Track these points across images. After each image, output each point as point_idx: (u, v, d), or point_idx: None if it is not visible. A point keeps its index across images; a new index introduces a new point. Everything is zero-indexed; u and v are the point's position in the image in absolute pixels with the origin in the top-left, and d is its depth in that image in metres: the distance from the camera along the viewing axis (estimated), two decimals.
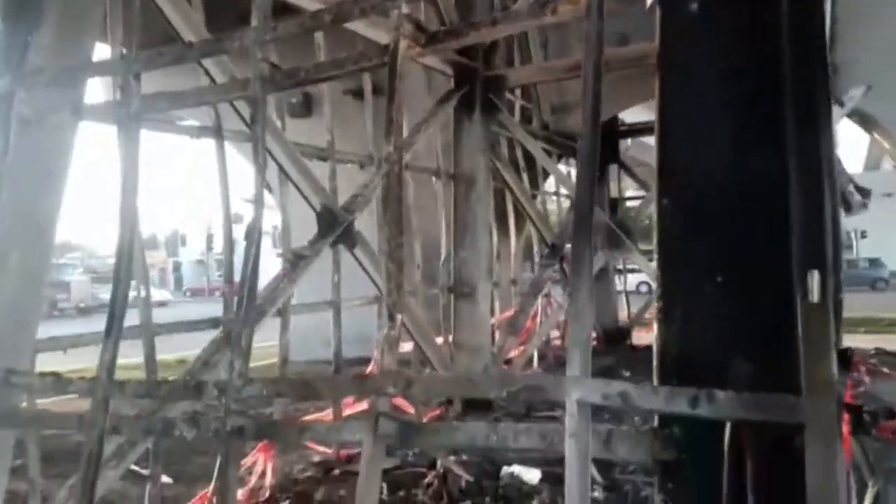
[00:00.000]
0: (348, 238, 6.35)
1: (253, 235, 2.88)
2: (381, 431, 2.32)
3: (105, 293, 5.75)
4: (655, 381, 2.00)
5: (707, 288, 1.99)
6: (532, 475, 5.96)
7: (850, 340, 13.33)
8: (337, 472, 6.68)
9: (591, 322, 2.08)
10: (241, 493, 6.02)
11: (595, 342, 11.87)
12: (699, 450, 1.88)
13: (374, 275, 6.64)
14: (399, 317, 2.50)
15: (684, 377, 1.95)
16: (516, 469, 5.97)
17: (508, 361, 9.06)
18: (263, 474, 6.16)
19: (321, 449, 7.06)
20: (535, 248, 12.21)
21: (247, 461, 6.40)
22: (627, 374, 8.53)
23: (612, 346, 12.89)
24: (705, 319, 1.99)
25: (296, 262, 5.86)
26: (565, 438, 1.95)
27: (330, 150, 7.19)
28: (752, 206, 1.99)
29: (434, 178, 9.14)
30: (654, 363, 2.02)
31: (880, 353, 13.12)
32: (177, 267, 55.24)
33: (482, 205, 9.17)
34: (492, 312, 10.50)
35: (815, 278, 1.82)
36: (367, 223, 6.98)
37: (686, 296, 2.03)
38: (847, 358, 2.01)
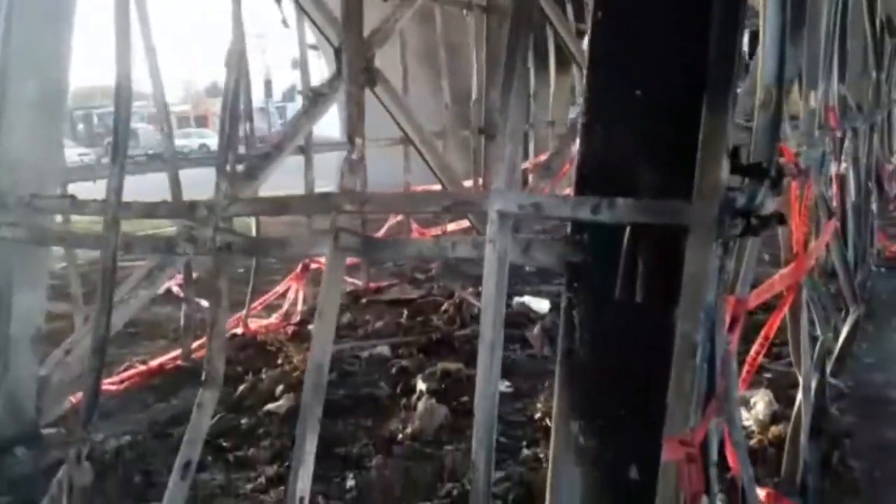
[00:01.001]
0: (368, 76, 6.36)
1: (233, 60, 3.01)
2: (342, 245, 2.55)
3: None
4: (573, 193, 2.14)
5: (626, 103, 2.07)
6: (541, 305, 6.28)
7: None
8: (364, 300, 7.15)
9: (514, 143, 2.20)
10: (275, 317, 6.57)
11: None
12: (602, 253, 2.04)
13: (396, 114, 6.71)
14: (359, 141, 2.66)
15: (598, 188, 2.08)
16: (527, 299, 6.29)
17: None
18: (295, 301, 6.66)
19: (351, 280, 7.52)
20: (577, 90, 11.97)
21: (280, 288, 6.91)
22: None
23: None
24: (621, 133, 2.08)
25: (314, 99, 5.99)
26: (486, 245, 2.13)
27: None
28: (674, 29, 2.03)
29: (465, 12, 8.90)
30: (574, 176, 2.15)
31: None
32: None
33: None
34: (526, 155, 10.55)
35: (719, 91, 1.89)
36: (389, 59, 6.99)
37: (607, 111, 2.11)
38: (749, 167, 2.09)
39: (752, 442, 3.66)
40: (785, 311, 3.07)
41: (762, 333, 3.09)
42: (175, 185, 5.19)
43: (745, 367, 3.12)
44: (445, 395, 4.63)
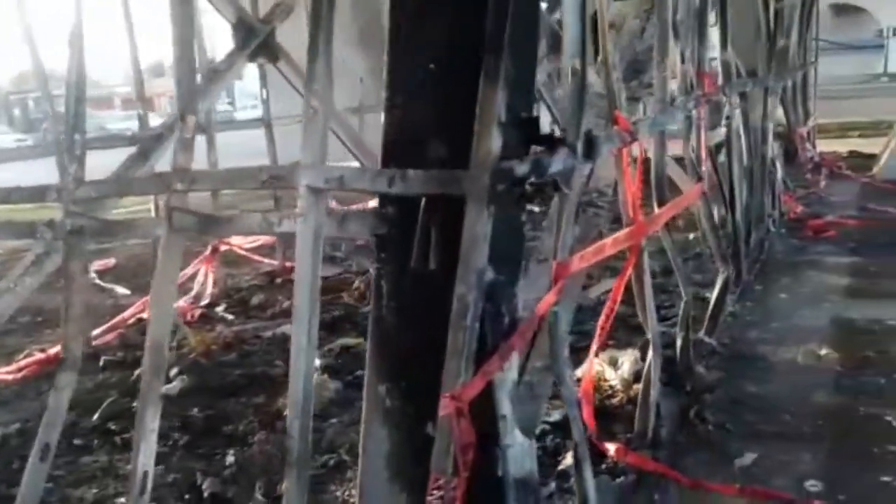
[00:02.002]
0: (268, 51, 6.29)
1: (75, 39, 2.99)
2: (176, 224, 2.59)
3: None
4: (380, 165, 2.21)
5: (420, 77, 2.15)
6: None
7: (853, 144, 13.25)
8: (279, 280, 7.17)
9: (323, 128, 2.25)
10: (183, 300, 6.54)
11: None
12: (403, 224, 2.12)
13: (301, 89, 6.66)
14: (191, 118, 2.69)
15: (399, 160, 2.16)
16: None
17: None
18: (205, 283, 6.65)
19: (267, 260, 7.53)
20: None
21: (189, 271, 6.88)
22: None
23: None
24: (417, 107, 2.16)
25: (211, 76, 5.92)
26: (297, 220, 2.19)
27: None
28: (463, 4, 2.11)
29: None
30: (381, 149, 2.22)
31: (854, 154, 13.23)
32: None
33: None
34: None
35: (492, 61, 1.97)
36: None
37: (405, 85, 2.18)
38: (544, 137, 2.18)
39: (615, 400, 3.82)
40: (629, 273, 3.21)
41: (610, 296, 3.22)
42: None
43: (598, 331, 3.26)
44: (341, 370, 4.72)
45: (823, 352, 4.42)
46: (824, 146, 13.97)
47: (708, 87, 4.71)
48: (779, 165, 8.40)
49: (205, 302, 6.45)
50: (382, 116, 2.24)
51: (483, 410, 2.14)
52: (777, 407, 3.80)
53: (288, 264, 7.59)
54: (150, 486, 2.61)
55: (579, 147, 2.46)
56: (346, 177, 2.15)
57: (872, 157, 11.84)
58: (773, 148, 8.42)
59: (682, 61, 4.23)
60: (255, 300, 6.58)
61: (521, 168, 2.05)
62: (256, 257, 7.66)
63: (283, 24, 6.30)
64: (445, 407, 1.83)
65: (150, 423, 2.60)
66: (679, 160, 6.25)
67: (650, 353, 3.41)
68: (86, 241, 3.03)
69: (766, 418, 3.67)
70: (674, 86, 4.52)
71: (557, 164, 2.33)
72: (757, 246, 6.67)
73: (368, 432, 2.20)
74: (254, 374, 4.80)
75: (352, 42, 8.58)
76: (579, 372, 4.13)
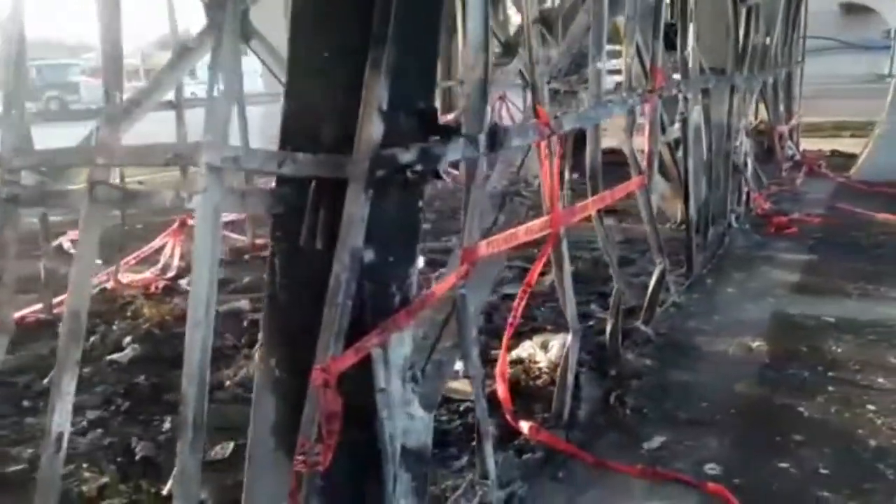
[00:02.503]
0: (241, 30, 6.37)
1: (15, 14, 3.07)
2: (98, 197, 2.70)
3: None
4: (278, 147, 2.32)
5: (317, 62, 2.25)
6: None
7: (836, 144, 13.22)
8: (247, 257, 7.30)
9: (226, 108, 2.36)
10: (150, 272, 6.67)
11: None
12: (297, 204, 2.23)
13: (275, 69, 6.77)
14: (116, 94, 2.79)
15: (296, 143, 2.27)
16: None
17: None
18: (172, 255, 6.77)
19: (235, 236, 7.64)
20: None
21: (156, 243, 7.01)
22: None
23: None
24: (313, 91, 2.26)
25: (181, 52, 6.01)
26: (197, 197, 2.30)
27: None
28: None
29: None
30: (280, 133, 2.33)
31: (836, 154, 13.31)
32: None
33: None
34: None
35: (376, 51, 2.07)
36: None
37: (302, 70, 2.29)
38: (440, 127, 2.29)
39: (540, 381, 3.95)
40: (544, 259, 3.33)
41: (525, 280, 3.35)
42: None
43: (513, 314, 3.39)
44: None
45: (755, 344, 4.55)
46: (814, 145, 14.06)
47: (658, 83, 4.80)
48: (749, 162, 8.50)
49: (170, 274, 6.57)
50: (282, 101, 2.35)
51: (367, 383, 2.27)
52: (698, 395, 3.93)
53: (258, 241, 7.73)
54: (65, 445, 2.73)
55: (482, 139, 2.58)
56: (241, 157, 2.25)
57: (854, 158, 11.93)
58: (745, 145, 8.52)
59: (629, 57, 4.32)
60: (219, 275, 6.68)
61: (406, 156, 2.16)
62: (226, 233, 7.77)
63: (256, 5, 6.40)
64: (315, 378, 1.95)
65: (67, 387, 2.71)
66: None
67: (569, 338, 3.53)
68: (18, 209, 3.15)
69: (684, 405, 3.80)
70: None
71: (454, 153, 2.44)
72: (716, 240, 6.78)
73: (258, 402, 2.33)
74: None
75: None
76: (516, 353, 4.29)
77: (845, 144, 13.99)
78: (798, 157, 12.35)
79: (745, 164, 8.41)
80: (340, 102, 2.21)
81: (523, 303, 3.31)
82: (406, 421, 2.60)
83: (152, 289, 6.23)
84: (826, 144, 14.14)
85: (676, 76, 6.53)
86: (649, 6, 5.01)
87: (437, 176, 2.21)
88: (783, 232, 7.45)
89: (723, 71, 6.88)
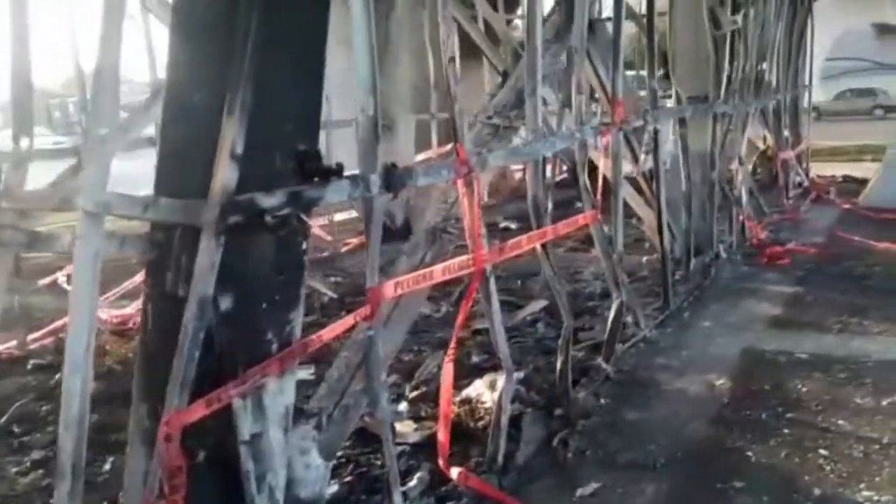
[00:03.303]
0: None
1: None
2: (5, 240, 2.70)
3: None
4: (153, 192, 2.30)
5: (187, 105, 2.23)
6: None
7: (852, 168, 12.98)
8: None
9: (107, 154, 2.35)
10: (131, 307, 6.70)
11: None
12: (166, 250, 2.21)
13: None
14: (25, 140, 2.80)
15: (168, 186, 2.25)
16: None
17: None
18: None
19: None
20: (486, 79, 12.05)
21: (138, 278, 7.04)
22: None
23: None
24: (185, 135, 2.24)
25: (157, 92, 6.08)
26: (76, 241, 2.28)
27: None
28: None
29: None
30: (154, 176, 2.31)
31: (847, 180, 13.03)
32: None
33: (403, 29, 8.99)
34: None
35: (231, 96, 2.04)
36: None
37: (176, 112, 2.27)
38: (314, 170, 2.25)
39: (482, 423, 3.85)
40: (471, 298, 3.25)
41: (457, 322, 3.27)
42: None
43: (450, 352, 3.31)
44: None
45: (719, 382, 4.40)
46: (834, 170, 13.78)
47: (618, 116, 4.73)
48: (744, 191, 8.33)
49: None
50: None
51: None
52: (647, 435, 3.79)
53: None
54: None
55: (374, 179, 2.53)
56: (112, 202, 2.23)
57: (865, 183, 11.66)
58: (741, 172, 8.38)
59: (576, 89, 4.26)
60: None
61: (269, 200, 2.12)
62: None
63: None
64: (161, 431, 1.90)
65: None
66: (632, 180, 6.30)
67: (500, 380, 3.44)
68: None
69: (629, 446, 3.67)
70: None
71: (337, 195, 2.40)
72: (699, 272, 6.63)
73: (131, 451, 2.28)
74: None
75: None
76: (466, 392, 4.20)
77: (863, 169, 13.70)
78: (806, 183, 12.11)
79: (741, 193, 8.26)
80: (205, 146, 2.17)
81: (454, 340, 3.24)
82: (299, 471, 2.53)
83: (130, 324, 6.25)
84: (846, 169, 13.84)
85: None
86: (608, 38, 4.97)
87: (300, 221, 2.16)
88: (775, 262, 7.27)
89: (705, 98, 6.78)
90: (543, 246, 3.89)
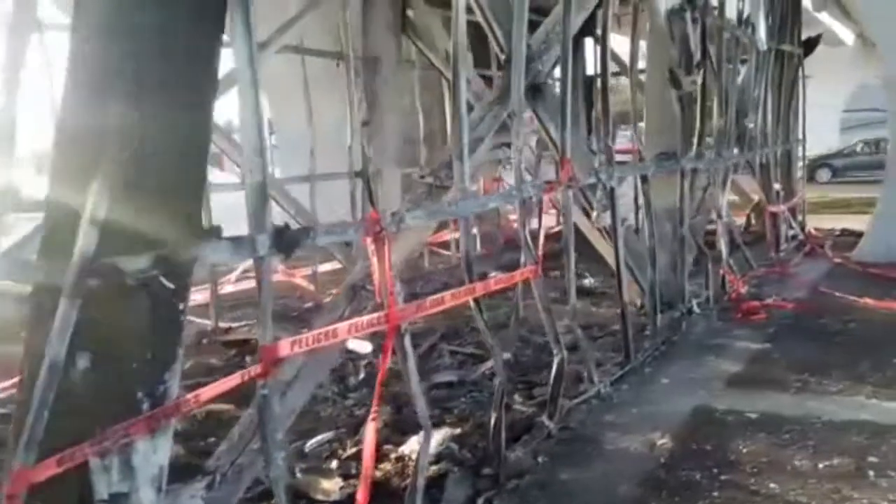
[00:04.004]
0: None
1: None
2: None
3: None
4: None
5: (70, 173, 2.33)
6: (364, 347, 6.45)
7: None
8: (205, 341, 7.39)
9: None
10: None
11: None
12: (41, 309, 2.27)
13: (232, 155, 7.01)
14: None
15: (52, 250, 2.32)
16: (350, 343, 6.44)
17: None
18: None
19: (200, 320, 7.75)
20: None
21: None
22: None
23: None
24: (63, 200, 2.34)
25: None
26: None
27: None
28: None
29: (338, 62, 9.25)
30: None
31: (845, 233, 12.90)
32: None
33: (389, 87, 9.19)
34: None
35: None
36: None
37: (64, 170, 2.37)
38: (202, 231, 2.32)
39: (408, 481, 3.83)
40: (388, 355, 3.28)
41: (378, 377, 3.29)
42: None
43: (372, 412, 3.32)
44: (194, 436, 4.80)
45: (661, 441, 4.35)
46: (839, 222, 13.57)
47: (565, 174, 4.79)
48: (724, 245, 8.31)
49: None
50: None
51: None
52: (576, 496, 3.75)
53: (222, 325, 7.84)
54: None
55: (262, 240, 2.60)
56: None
57: (862, 236, 11.55)
58: (720, 226, 8.37)
59: (518, 150, 4.34)
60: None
61: (134, 263, 2.19)
62: (191, 317, 7.89)
63: None
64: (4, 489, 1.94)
65: None
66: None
67: (416, 439, 3.44)
68: None
69: None
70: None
71: (218, 255, 2.47)
72: (668, 327, 6.59)
73: None
74: None
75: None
76: (402, 449, 4.18)
77: (865, 221, 13.55)
78: (801, 236, 12.04)
79: (721, 247, 8.24)
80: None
81: (377, 396, 3.25)
82: None
83: None
84: (852, 222, 13.67)
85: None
86: (556, 99, 5.07)
87: (162, 284, 2.22)
88: (750, 318, 7.21)
89: (674, 154, 6.84)
90: (476, 301, 3.91)
